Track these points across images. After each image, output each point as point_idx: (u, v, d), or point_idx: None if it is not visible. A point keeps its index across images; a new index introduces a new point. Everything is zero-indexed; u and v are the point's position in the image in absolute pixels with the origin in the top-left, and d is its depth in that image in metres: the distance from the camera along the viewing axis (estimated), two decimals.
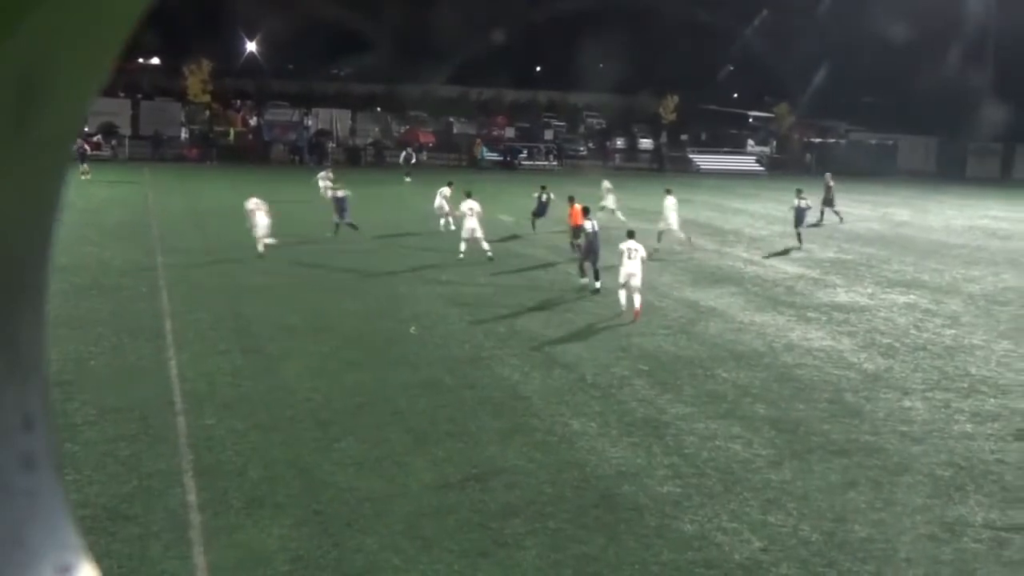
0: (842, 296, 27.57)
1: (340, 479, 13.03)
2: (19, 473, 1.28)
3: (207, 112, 79.10)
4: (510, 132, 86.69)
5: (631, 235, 24.05)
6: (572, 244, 31.27)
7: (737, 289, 27.86)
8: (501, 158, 78.48)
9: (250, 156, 71.28)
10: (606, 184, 40.79)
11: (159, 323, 21.29)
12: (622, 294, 23.57)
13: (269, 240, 29.65)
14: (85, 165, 48.53)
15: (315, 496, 12.42)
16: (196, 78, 78.52)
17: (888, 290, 28.79)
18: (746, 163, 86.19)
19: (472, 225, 30.79)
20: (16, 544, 1.25)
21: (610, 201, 39.27)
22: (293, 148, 74.79)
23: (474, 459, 14.04)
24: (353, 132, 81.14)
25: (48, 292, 1.32)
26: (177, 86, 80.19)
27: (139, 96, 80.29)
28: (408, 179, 55.87)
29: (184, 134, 76.58)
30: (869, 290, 28.70)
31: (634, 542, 11.45)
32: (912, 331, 23.38)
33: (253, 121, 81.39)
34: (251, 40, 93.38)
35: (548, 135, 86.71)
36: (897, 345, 21.88)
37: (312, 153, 72.69)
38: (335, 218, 33.62)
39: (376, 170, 67.24)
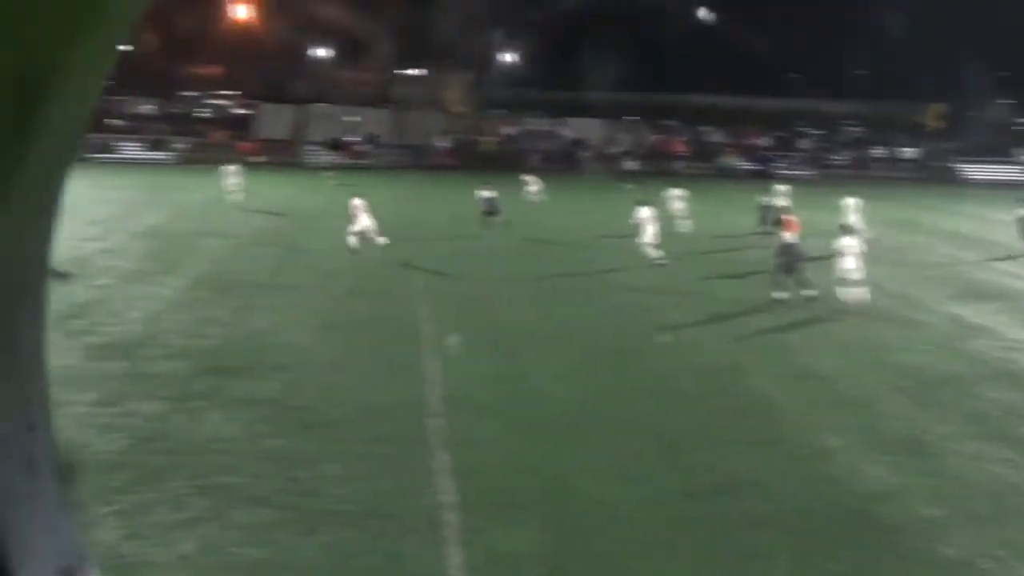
0: None
1: (589, 485, 13.07)
2: (21, 475, 1.28)
3: (464, 121, 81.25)
4: (764, 141, 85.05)
5: (845, 231, 25.23)
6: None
7: (1005, 305, 26.28)
8: (755, 167, 77.25)
9: (505, 165, 72.73)
10: (851, 201, 38.83)
11: (416, 326, 21.96)
12: (840, 290, 24.56)
13: (381, 240, 30.57)
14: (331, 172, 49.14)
15: (564, 500, 12.51)
16: (455, 88, 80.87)
17: None
18: (1014, 173, 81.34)
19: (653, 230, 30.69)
20: (18, 544, 1.24)
21: (853, 217, 37.43)
22: (548, 157, 75.92)
23: (722, 469, 13.80)
24: (607, 141, 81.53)
25: (48, 293, 1.31)
26: (438, 96, 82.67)
27: (401, 106, 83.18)
28: (630, 187, 55.35)
29: (443, 143, 78.88)
30: None
31: (891, 564, 10.97)
32: None
33: (510, 130, 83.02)
34: (509, 51, 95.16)
35: (804, 144, 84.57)
36: None
37: (565, 162, 73.58)
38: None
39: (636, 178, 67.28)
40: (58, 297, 23.09)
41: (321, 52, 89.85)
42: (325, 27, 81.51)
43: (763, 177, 73.73)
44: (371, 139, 74.98)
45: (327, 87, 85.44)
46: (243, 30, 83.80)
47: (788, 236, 26.11)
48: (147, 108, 79.64)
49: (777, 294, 25.59)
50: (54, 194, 1.31)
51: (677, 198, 39.39)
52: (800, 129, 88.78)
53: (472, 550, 11.04)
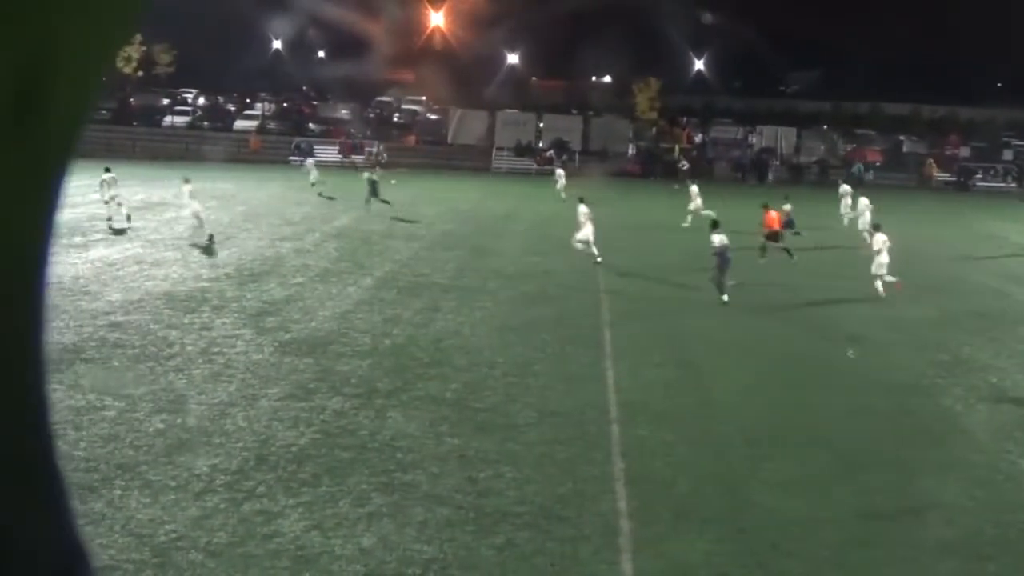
0: None
1: (766, 499, 12.81)
2: (20, 473, 1.27)
3: (653, 129, 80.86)
4: (964, 151, 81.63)
5: (878, 228, 28.18)
6: (764, 248, 31.98)
7: None
8: (954, 179, 74.40)
9: (694, 173, 72.05)
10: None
11: (598, 333, 21.95)
12: (879, 284, 26.57)
13: (585, 246, 30.12)
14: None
15: (740, 514, 12.30)
16: (644, 95, 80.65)
17: None
18: None
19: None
20: (18, 544, 1.23)
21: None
22: (736, 165, 74.88)
23: (907, 490, 13.33)
24: (797, 150, 79.80)
25: (48, 292, 1.29)
26: (626, 103, 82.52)
27: (590, 113, 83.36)
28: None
29: (631, 150, 78.65)
30: None
31: None
32: None
33: (698, 138, 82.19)
34: (699, 58, 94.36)
35: (1008, 155, 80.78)
36: None
37: (754, 171, 72.41)
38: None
39: (819, 188, 65.68)
40: (254, 295, 24.05)
41: (513, 58, 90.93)
42: (517, 33, 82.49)
43: (962, 190, 71.02)
44: (559, 145, 75.37)
45: (518, 92, 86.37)
46: (437, 36, 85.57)
47: (718, 239, 26.16)
48: (343, 113, 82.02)
49: (724, 296, 25.70)
50: (54, 194, 1.30)
51: (866, 208, 38.23)
52: (1005, 139, 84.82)
53: (646, 558, 10.97)
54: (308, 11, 76.65)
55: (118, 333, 19.97)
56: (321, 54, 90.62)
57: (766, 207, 32.97)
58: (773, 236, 32.09)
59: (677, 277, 29.06)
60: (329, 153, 71.42)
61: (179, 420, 14.86)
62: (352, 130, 77.19)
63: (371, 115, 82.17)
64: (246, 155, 69.27)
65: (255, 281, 25.96)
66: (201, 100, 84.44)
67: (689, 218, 40.84)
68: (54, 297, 23.05)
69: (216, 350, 19.02)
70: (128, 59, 75.98)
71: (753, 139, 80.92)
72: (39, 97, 1.17)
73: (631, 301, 25.67)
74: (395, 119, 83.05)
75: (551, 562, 10.78)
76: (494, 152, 75.80)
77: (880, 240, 27.52)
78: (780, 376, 19.03)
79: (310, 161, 55.80)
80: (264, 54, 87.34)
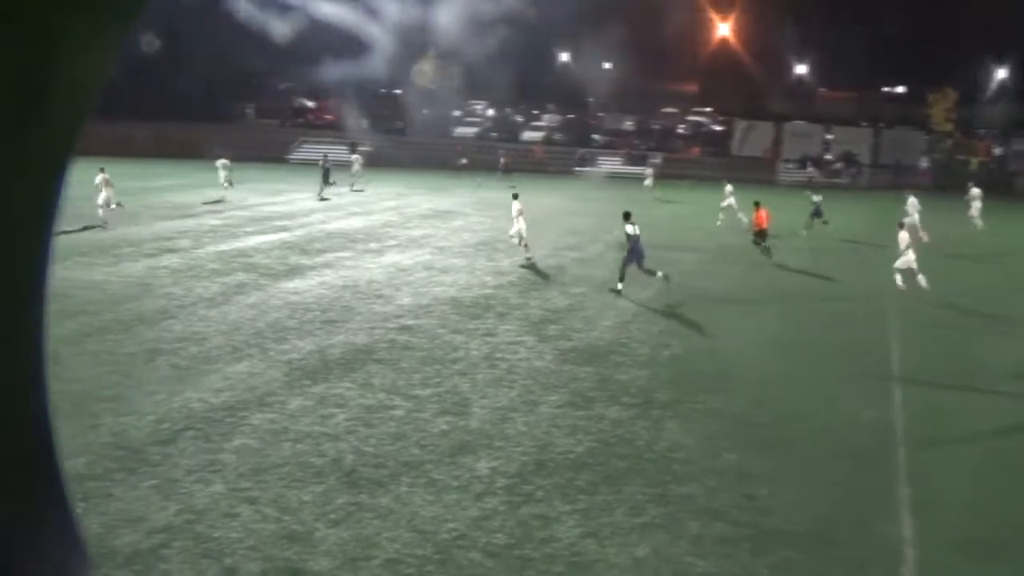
0: None
1: None
2: (20, 473, 1.25)
3: (948, 141, 77.08)
4: None
5: (902, 227, 29.32)
6: (756, 243, 33.68)
7: None
8: None
9: (992, 187, 68.14)
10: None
11: (886, 353, 21.13)
12: (899, 276, 27.79)
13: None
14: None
15: None
16: (940, 106, 76.99)
17: None
18: None
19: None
20: (19, 543, 1.21)
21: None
22: None
23: None
24: None
25: (49, 292, 1.26)
26: (919, 115, 79.09)
27: (880, 125, 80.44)
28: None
29: (924, 162, 75.30)
30: None
31: None
32: None
33: (998, 151, 77.72)
34: (1000, 67, 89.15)
35: None
36: None
37: None
38: None
39: None
40: (536, 303, 24.55)
41: (800, 68, 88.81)
42: (803, 43, 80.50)
43: None
44: (848, 158, 73.07)
45: (804, 104, 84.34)
46: (722, 47, 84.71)
47: (631, 229, 27.03)
48: (627, 124, 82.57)
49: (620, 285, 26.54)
50: (54, 194, 1.31)
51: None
52: None
53: None
54: (594, 25, 77.57)
55: (407, 336, 20.84)
56: (607, 66, 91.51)
57: (757, 205, 34.20)
58: (761, 234, 33.68)
59: (960, 300, 27.60)
60: (612, 164, 72.03)
61: (463, 422, 15.35)
62: (636, 141, 77.54)
63: (655, 126, 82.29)
64: (531, 165, 70.85)
65: (538, 289, 26.50)
66: (490, 112, 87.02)
67: (721, 216, 42.52)
68: (350, 300, 24.34)
69: (499, 356, 19.54)
70: (422, 72, 79.39)
71: None
72: (39, 97, 1.18)
73: (917, 323, 24.53)
74: (679, 130, 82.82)
75: None
76: (779, 164, 74.29)
77: (905, 239, 28.52)
78: None
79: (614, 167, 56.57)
80: (551, 67, 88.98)
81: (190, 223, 37.96)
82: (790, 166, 73.95)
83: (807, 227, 40.32)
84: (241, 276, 27.06)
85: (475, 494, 12.49)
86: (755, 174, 70.86)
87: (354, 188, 53.40)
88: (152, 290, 24.71)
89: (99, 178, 36.57)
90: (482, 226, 39.57)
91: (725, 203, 42.74)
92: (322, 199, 48.65)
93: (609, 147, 76.99)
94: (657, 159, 72.31)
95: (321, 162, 51.72)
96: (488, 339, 20.89)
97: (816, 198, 41.50)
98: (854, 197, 59.69)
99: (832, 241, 38.03)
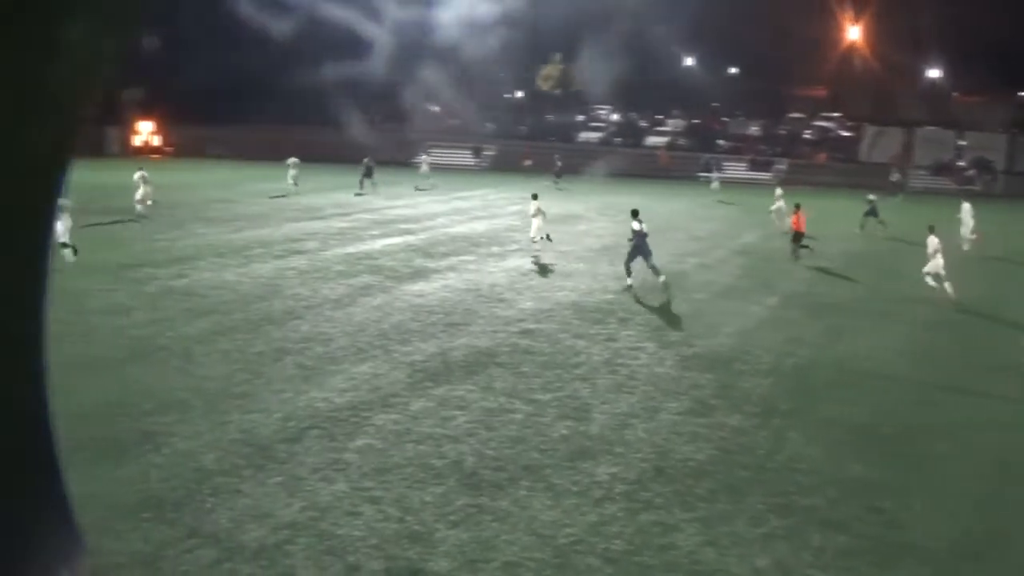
0: None
1: None
2: (21, 473, 1.24)
3: None
4: None
5: (932, 230, 27.88)
6: (793, 249, 33.85)
7: None
8: None
9: None
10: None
11: (1019, 363, 20.49)
12: (928, 279, 27.03)
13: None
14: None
15: None
16: None
17: None
18: None
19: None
20: (19, 543, 1.21)
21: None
22: None
23: None
24: None
25: (49, 293, 1.26)
26: None
27: (1014, 130, 77.89)
28: None
29: None
30: None
31: None
32: None
33: None
34: None
35: None
36: None
37: None
38: None
39: None
40: (658, 309, 24.43)
41: (932, 72, 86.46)
42: (935, 47, 78.39)
43: None
44: (982, 164, 70.90)
45: (938, 108, 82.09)
46: (851, 51, 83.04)
47: (637, 226, 27.13)
48: (752, 129, 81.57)
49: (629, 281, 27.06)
50: (53, 194, 1.31)
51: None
52: None
53: None
54: (720, 28, 76.82)
55: (529, 340, 20.94)
56: (733, 70, 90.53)
57: (798, 208, 34.74)
58: (797, 237, 33.94)
59: None
60: (737, 170, 71.31)
61: (582, 427, 15.37)
62: (761, 147, 76.55)
63: (781, 132, 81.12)
64: (655, 170, 70.52)
65: (660, 295, 26.35)
66: (615, 117, 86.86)
67: (773, 217, 41.75)
68: (472, 303, 24.57)
69: (620, 361, 19.50)
70: (547, 78, 79.71)
71: None
72: (39, 96, 1.20)
73: None
74: (805, 136, 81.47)
75: None
76: (910, 171, 72.54)
77: (934, 243, 27.78)
78: None
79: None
80: (676, 71, 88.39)
81: (318, 225, 38.78)
82: (921, 172, 72.05)
83: (861, 226, 41.31)
84: (366, 278, 27.54)
85: (594, 499, 12.50)
86: (882, 180, 69.28)
87: (419, 188, 56.45)
88: (280, 291, 25.31)
89: (137, 175, 39.19)
90: (606, 231, 39.49)
91: (774, 207, 41.96)
92: (357, 195, 51.93)
93: (734, 152, 76.11)
94: (782, 165, 71.31)
95: (365, 161, 55.14)
96: (609, 344, 20.87)
97: (872, 197, 42.85)
98: (988, 204, 57.88)
99: (977, 252, 36.98)
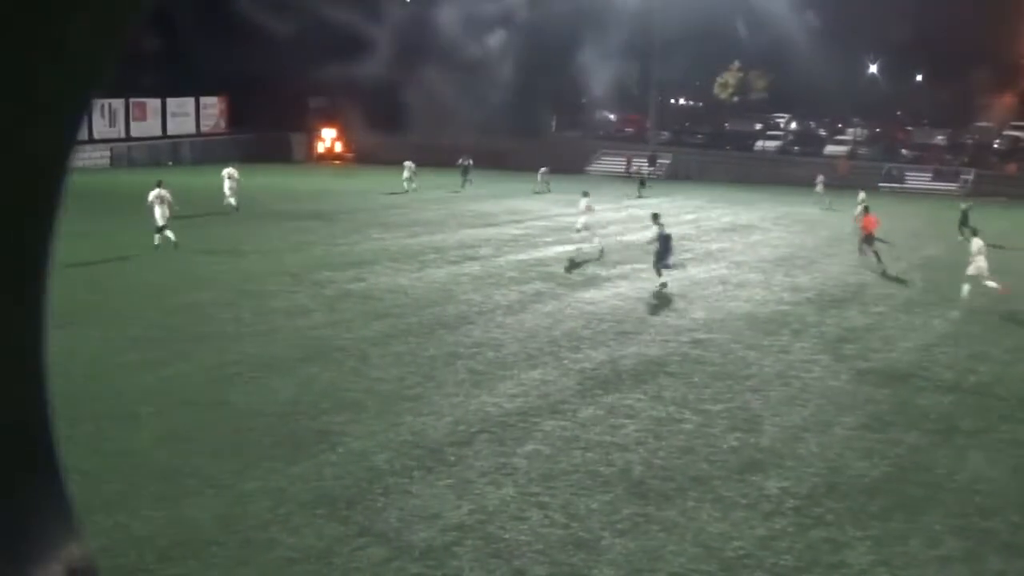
0: None
1: None
2: (20, 473, 1.23)
3: None
4: None
5: (975, 233, 28.68)
6: (862, 248, 33.56)
7: None
8: None
9: None
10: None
11: None
12: (966, 288, 26.60)
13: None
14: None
15: None
16: None
17: None
18: None
19: None
20: (19, 543, 1.21)
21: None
22: None
23: None
24: None
25: (49, 292, 1.24)
26: None
27: None
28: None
29: None
30: None
31: None
32: None
33: None
34: None
35: None
36: None
37: None
38: None
39: None
40: (834, 321, 23.91)
41: None
42: None
43: None
44: None
45: None
46: None
47: (656, 229, 27.95)
48: (938, 139, 78.78)
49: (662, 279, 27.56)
50: (54, 194, 1.27)
51: None
52: None
53: None
54: (905, 35, 74.55)
55: (700, 350, 20.77)
56: (919, 78, 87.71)
57: (867, 210, 35.29)
58: (868, 239, 33.35)
59: None
60: (921, 179, 69.10)
61: (753, 439, 15.16)
62: (947, 156, 73.91)
63: (968, 141, 78.08)
64: (833, 180, 68.87)
65: (836, 307, 25.76)
66: (793, 125, 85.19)
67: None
68: (644, 312, 24.51)
69: (793, 374, 19.15)
70: (725, 85, 78.86)
71: None
72: (39, 96, 1.20)
73: None
74: (994, 145, 78.19)
75: None
76: None
77: (977, 244, 27.62)
78: None
79: None
80: (858, 79, 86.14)
81: (491, 232, 39.24)
82: None
83: (960, 234, 39.26)
84: (538, 285, 27.75)
85: (763, 513, 12.33)
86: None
87: (536, 191, 56.87)
88: (453, 296, 25.75)
89: (225, 172, 42.53)
90: (782, 241, 38.82)
91: (857, 211, 40.11)
92: (456, 192, 54.38)
93: (917, 162, 73.60)
94: (969, 175, 68.62)
95: (461, 161, 57.98)
96: (782, 356, 20.52)
97: (964, 205, 41.79)
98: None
99: None
